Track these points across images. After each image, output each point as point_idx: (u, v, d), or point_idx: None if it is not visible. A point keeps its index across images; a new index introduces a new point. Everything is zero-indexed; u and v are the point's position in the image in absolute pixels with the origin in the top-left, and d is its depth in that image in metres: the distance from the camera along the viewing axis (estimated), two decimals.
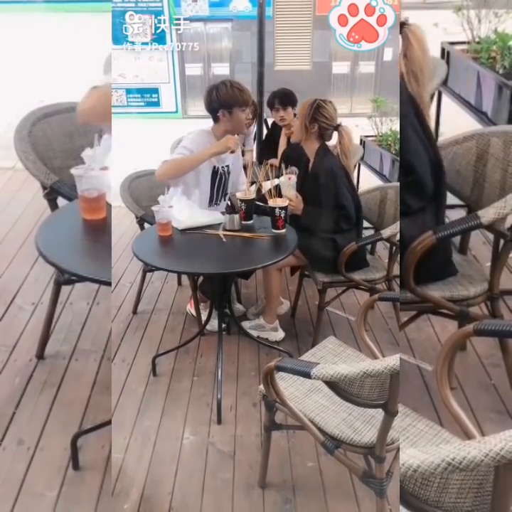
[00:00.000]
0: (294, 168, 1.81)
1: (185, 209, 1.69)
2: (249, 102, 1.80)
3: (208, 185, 1.86)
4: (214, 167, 1.86)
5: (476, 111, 2.12)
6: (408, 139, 1.22)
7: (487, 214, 1.11)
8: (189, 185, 1.83)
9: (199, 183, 1.84)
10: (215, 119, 1.80)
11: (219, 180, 1.89)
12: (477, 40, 2.19)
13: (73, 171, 1.14)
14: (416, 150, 1.22)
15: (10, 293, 2.08)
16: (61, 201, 1.56)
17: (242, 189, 1.98)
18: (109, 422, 1.36)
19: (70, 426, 1.39)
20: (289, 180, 1.71)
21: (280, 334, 1.96)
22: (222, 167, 1.89)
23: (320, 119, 1.72)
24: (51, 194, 1.50)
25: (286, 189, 1.72)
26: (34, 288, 2.11)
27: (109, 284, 1.00)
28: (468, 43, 2.23)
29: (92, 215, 1.16)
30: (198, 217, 1.67)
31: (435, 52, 2.30)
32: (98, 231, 1.16)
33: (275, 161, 2.41)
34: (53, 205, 1.55)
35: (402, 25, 1.23)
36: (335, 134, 1.78)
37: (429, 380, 1.57)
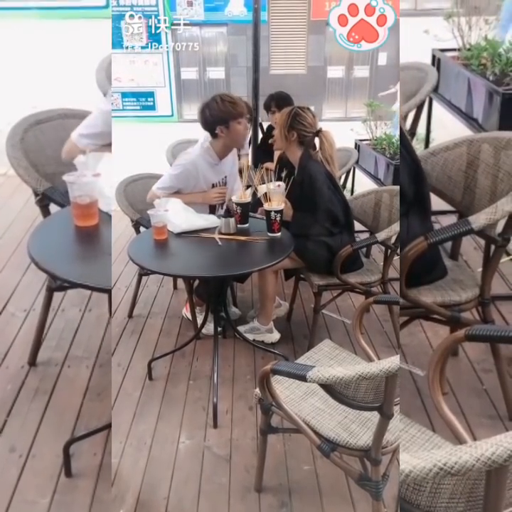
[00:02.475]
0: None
1: (180, 212, 1.69)
2: (244, 113, 1.81)
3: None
4: (212, 185, 1.89)
5: (467, 117, 2.14)
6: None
7: (478, 220, 1.12)
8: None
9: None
10: (214, 136, 1.81)
11: None
12: (468, 47, 2.22)
13: (65, 177, 1.14)
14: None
15: (2, 299, 2.07)
16: (53, 208, 1.56)
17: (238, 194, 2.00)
18: (101, 429, 1.35)
19: (63, 433, 1.38)
20: (277, 187, 1.73)
21: (275, 335, 1.97)
22: (222, 180, 1.91)
23: (298, 126, 1.75)
24: (43, 200, 1.49)
25: (274, 196, 1.74)
26: (26, 294, 2.10)
27: (102, 290, 1.00)
28: (459, 49, 2.26)
29: (84, 222, 1.16)
30: (194, 221, 1.68)
31: (426, 59, 2.33)
32: (90, 237, 1.17)
33: (271, 165, 2.42)
34: (45, 212, 1.54)
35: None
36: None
37: (421, 386, 1.57)
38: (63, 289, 1.67)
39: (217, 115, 1.75)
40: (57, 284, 1.57)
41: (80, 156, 1.14)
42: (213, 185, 1.90)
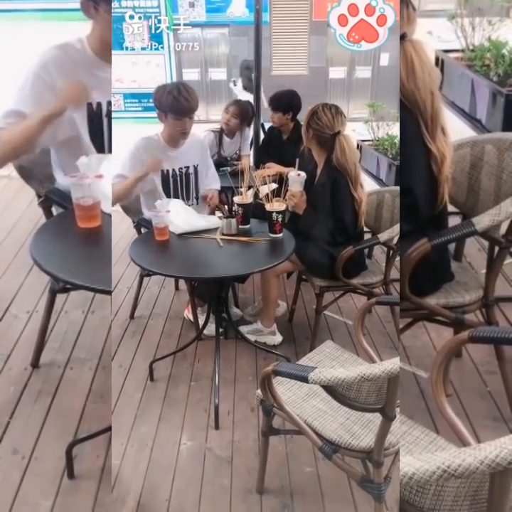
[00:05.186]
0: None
1: (181, 213, 1.69)
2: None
3: (160, 188, 1.86)
4: (162, 171, 1.86)
5: (470, 118, 2.14)
6: (410, 162, 1.17)
7: (482, 221, 1.12)
8: (146, 194, 1.85)
9: (152, 190, 1.85)
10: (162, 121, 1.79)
11: (174, 184, 1.89)
12: (471, 47, 2.22)
13: (68, 179, 1.14)
14: (419, 175, 1.17)
15: (5, 301, 2.07)
16: (56, 209, 1.56)
17: (209, 187, 1.99)
18: (104, 431, 1.35)
19: (65, 435, 1.38)
20: (297, 177, 1.70)
21: (278, 338, 1.96)
22: (180, 169, 1.88)
23: (313, 126, 1.71)
24: (46, 202, 1.49)
25: (293, 184, 1.70)
26: (29, 296, 2.10)
27: (104, 292, 1.00)
28: (463, 50, 2.26)
29: (87, 224, 1.16)
30: (195, 222, 1.67)
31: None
32: (93, 239, 1.17)
33: (272, 165, 2.42)
34: (48, 213, 1.54)
35: (402, 38, 1.15)
36: None
37: (425, 387, 1.57)
38: (66, 291, 1.66)
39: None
40: (59, 286, 1.57)
41: (83, 157, 1.14)
42: (165, 173, 1.85)
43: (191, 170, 1.92)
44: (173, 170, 1.88)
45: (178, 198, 1.91)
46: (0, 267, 2.33)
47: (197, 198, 1.98)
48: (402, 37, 1.15)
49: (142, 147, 1.82)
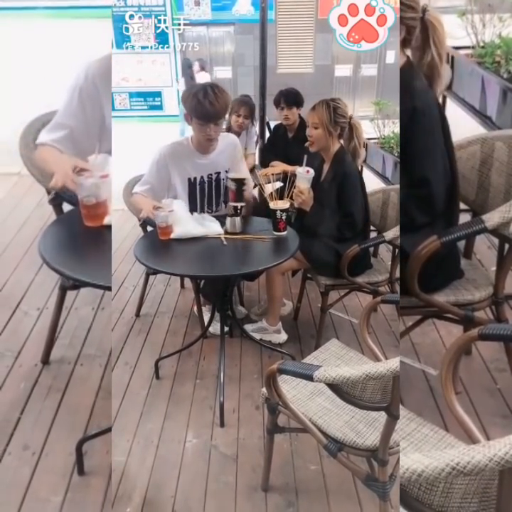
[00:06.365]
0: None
1: (180, 218, 1.61)
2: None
3: (185, 196, 1.77)
4: (189, 180, 1.75)
5: (481, 115, 2.12)
6: (429, 153, 1.17)
7: (492, 218, 1.11)
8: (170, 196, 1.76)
9: (176, 195, 1.77)
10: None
11: (201, 192, 1.79)
12: (481, 44, 2.20)
13: (73, 177, 1.15)
14: (435, 166, 1.17)
15: (15, 298, 2.08)
16: (66, 207, 1.56)
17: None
18: None
19: (75, 431, 1.39)
20: (306, 173, 1.68)
21: (283, 336, 1.96)
22: (209, 175, 1.77)
23: (340, 120, 1.69)
24: (56, 200, 1.49)
25: (300, 181, 1.69)
26: (39, 293, 2.11)
27: (104, 288, 1.01)
28: (473, 47, 2.24)
29: (92, 222, 1.17)
30: (191, 229, 1.59)
31: None
32: (99, 237, 1.17)
33: (277, 164, 2.41)
34: (58, 211, 1.54)
35: (424, 11, 1.18)
36: None
37: (434, 385, 1.56)
38: (76, 288, 1.66)
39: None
40: (70, 283, 1.57)
41: (91, 157, 1.14)
42: (192, 180, 1.76)
43: (222, 175, 1.78)
44: (201, 177, 1.75)
45: (203, 206, 1.83)
46: (11, 264, 2.34)
47: (225, 203, 1.81)
48: (425, 10, 1.18)
49: (168, 154, 1.70)
